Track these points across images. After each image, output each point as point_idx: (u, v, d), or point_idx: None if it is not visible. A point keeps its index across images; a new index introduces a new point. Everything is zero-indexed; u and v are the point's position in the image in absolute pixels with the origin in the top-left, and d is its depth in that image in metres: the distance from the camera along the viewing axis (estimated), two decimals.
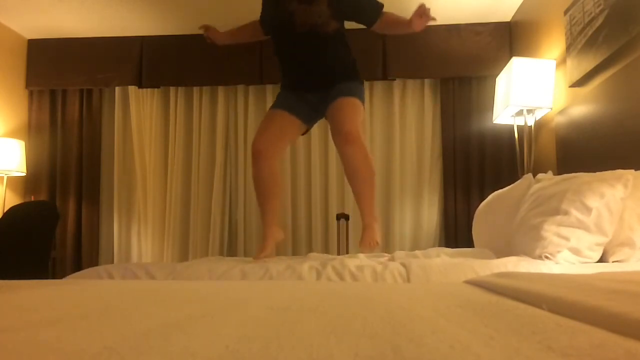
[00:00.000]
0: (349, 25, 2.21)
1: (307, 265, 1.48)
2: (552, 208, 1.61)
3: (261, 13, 2.34)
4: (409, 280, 1.39)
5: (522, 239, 1.70)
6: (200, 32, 2.35)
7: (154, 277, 1.47)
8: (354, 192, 2.10)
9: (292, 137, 2.30)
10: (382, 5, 2.23)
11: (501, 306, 0.61)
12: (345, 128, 2.02)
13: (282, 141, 2.21)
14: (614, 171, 1.62)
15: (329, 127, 2.18)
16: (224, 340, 0.44)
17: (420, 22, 2.09)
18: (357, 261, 1.62)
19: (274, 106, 2.24)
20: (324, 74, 2.19)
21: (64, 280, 1.50)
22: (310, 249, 3.73)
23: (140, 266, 1.53)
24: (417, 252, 2.14)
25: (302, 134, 2.37)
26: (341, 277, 1.41)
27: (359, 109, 2.14)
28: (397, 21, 2.22)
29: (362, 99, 2.20)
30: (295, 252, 3.77)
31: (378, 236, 2.05)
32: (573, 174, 1.75)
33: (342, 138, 2.02)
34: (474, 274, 1.37)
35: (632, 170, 1.62)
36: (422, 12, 2.07)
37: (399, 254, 2.09)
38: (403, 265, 1.47)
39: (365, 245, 2.01)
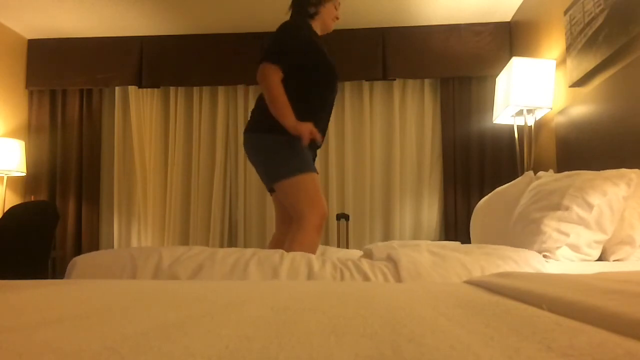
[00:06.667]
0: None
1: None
2: (553, 203, 1.61)
3: (286, 55, 2.02)
4: (399, 276, 1.37)
5: (521, 234, 1.70)
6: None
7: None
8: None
9: None
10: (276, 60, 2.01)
11: (501, 306, 0.61)
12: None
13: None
14: (617, 170, 1.62)
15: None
16: (224, 340, 0.44)
17: (302, 134, 1.95)
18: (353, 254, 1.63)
19: (310, 168, 2.07)
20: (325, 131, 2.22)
21: (79, 257, 1.48)
22: None
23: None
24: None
25: None
26: (345, 265, 1.41)
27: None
28: (283, 102, 1.96)
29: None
30: None
31: None
32: (575, 171, 1.75)
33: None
34: (465, 271, 1.36)
35: (637, 170, 1.62)
36: (315, 133, 1.98)
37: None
38: (391, 259, 1.42)
39: None
